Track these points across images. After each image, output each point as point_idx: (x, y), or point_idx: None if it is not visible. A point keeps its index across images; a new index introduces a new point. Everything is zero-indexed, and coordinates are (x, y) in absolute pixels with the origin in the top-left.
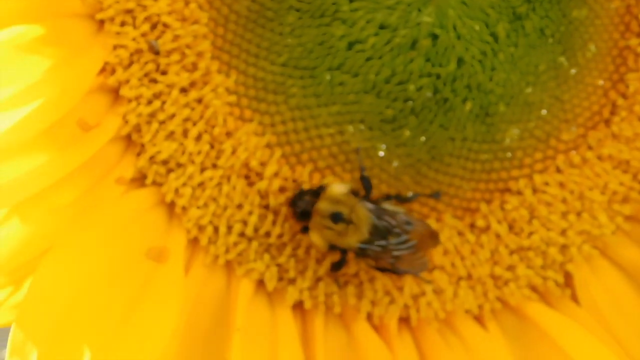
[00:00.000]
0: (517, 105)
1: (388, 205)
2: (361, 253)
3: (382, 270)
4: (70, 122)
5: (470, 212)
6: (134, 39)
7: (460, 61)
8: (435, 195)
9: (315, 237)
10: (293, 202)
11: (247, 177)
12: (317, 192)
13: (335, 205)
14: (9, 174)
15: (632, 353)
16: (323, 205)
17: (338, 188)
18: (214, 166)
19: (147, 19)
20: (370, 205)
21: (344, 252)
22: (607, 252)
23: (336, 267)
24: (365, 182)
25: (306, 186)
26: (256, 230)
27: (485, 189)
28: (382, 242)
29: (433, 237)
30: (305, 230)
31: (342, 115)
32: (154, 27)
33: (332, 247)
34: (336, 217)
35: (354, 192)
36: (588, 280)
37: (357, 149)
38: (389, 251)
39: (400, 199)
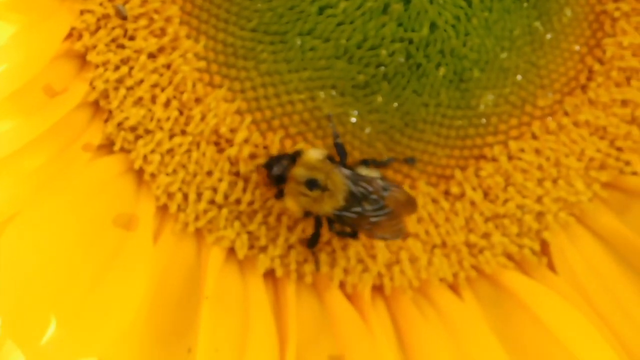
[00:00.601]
0: (491, 70)
1: (364, 170)
2: (337, 219)
3: (349, 235)
4: (36, 88)
5: (445, 179)
6: (100, 4)
7: (433, 26)
8: (410, 161)
9: (291, 203)
10: (269, 166)
11: (216, 143)
12: (293, 157)
13: (311, 171)
14: None
15: (609, 320)
16: (299, 172)
17: (314, 154)
18: (183, 132)
19: None
20: (346, 172)
21: (318, 218)
22: (583, 219)
23: (312, 242)
24: (340, 149)
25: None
26: (226, 197)
27: (460, 155)
28: (358, 209)
29: (410, 204)
30: (279, 195)
31: (314, 81)
32: None
33: (307, 214)
34: (312, 184)
35: (330, 159)
36: (565, 248)
37: (329, 115)
38: (366, 217)
39: (376, 164)
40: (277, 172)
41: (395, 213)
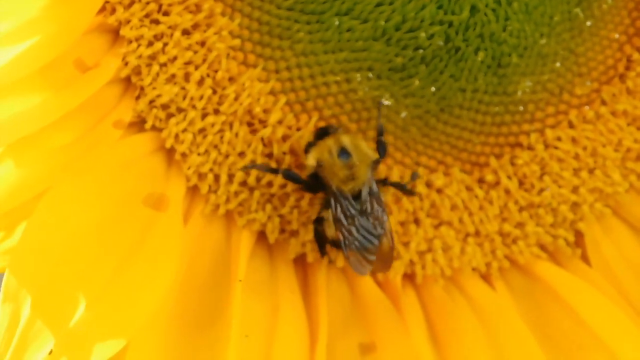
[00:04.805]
0: (530, 56)
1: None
2: (333, 196)
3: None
4: (67, 62)
5: (480, 166)
6: None
7: (473, 9)
8: (414, 176)
9: (312, 156)
10: (329, 125)
11: (250, 124)
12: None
13: (353, 147)
14: (2, 113)
15: None
16: (345, 137)
17: (366, 146)
18: (216, 112)
19: None
20: (373, 183)
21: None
22: (619, 211)
23: (320, 249)
24: (381, 147)
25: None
26: (258, 179)
27: (495, 143)
28: (352, 211)
29: (385, 260)
30: (308, 147)
31: (350, 63)
32: None
33: (313, 179)
34: (343, 153)
35: (374, 164)
36: (599, 239)
37: (380, 102)
38: (352, 219)
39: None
40: (330, 129)
41: (373, 250)
